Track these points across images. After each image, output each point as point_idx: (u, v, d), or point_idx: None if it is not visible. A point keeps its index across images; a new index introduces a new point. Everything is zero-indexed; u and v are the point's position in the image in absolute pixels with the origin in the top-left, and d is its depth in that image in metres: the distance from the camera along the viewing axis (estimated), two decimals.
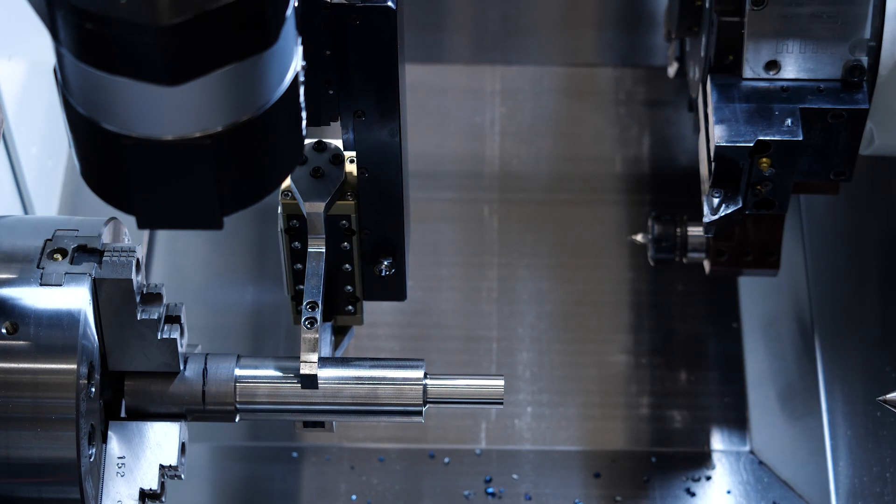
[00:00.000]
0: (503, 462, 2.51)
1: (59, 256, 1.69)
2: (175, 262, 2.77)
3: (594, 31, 3.02)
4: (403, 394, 1.86)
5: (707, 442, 2.56)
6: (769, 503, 2.47)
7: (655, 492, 2.49)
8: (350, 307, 2.00)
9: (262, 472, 2.52)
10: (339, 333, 2.04)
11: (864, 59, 2.01)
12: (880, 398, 1.94)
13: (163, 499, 1.78)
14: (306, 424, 1.92)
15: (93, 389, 1.70)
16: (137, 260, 1.71)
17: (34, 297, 1.66)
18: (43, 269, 1.68)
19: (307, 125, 1.72)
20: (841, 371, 2.48)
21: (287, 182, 1.88)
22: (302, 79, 1.47)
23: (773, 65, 2.03)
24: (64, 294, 1.67)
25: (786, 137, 1.99)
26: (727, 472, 2.51)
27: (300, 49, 1.46)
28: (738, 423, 2.58)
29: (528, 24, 3.02)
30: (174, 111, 1.37)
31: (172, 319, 1.75)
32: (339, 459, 2.52)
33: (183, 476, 1.80)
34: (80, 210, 2.66)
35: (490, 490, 2.48)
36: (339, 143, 1.90)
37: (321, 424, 1.92)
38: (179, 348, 1.77)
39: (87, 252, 1.71)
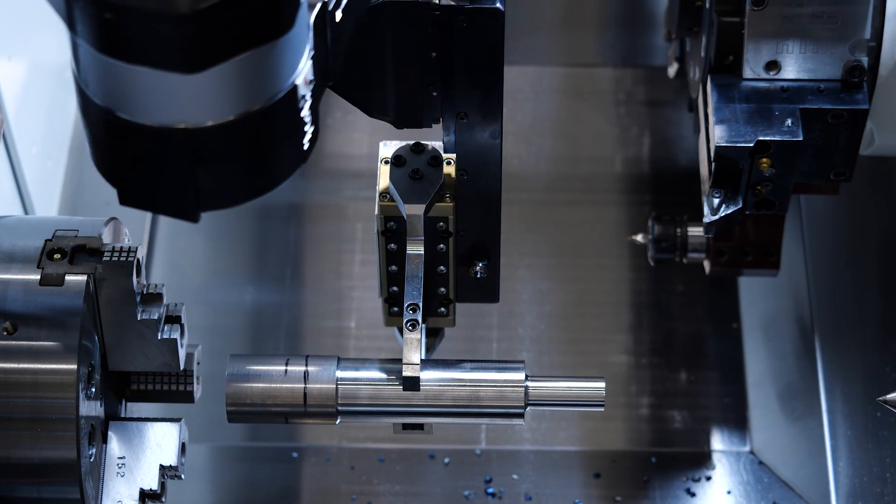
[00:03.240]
0: (503, 462, 2.51)
1: (59, 256, 1.69)
2: (175, 262, 2.77)
3: (594, 31, 3.02)
4: (505, 396, 1.87)
5: (707, 442, 2.56)
6: (769, 503, 2.47)
7: (655, 492, 2.49)
8: (443, 309, 2.00)
9: (262, 472, 2.52)
10: (430, 335, 2.03)
11: (864, 60, 2.01)
12: (880, 398, 1.94)
13: (163, 499, 1.78)
14: (405, 427, 1.92)
15: (93, 389, 1.70)
16: (137, 260, 1.71)
17: (34, 297, 1.66)
18: (43, 269, 1.68)
19: (408, 126, 1.76)
20: (841, 371, 2.48)
21: (385, 183, 1.88)
22: (303, 93, 1.45)
23: (773, 65, 2.03)
24: (64, 294, 1.67)
25: (786, 138, 1.99)
26: (727, 472, 2.51)
27: (306, 67, 1.44)
28: (738, 423, 2.58)
29: (528, 24, 3.02)
30: (161, 99, 1.37)
31: (172, 319, 1.75)
32: (339, 459, 2.52)
33: (183, 476, 1.80)
34: (80, 210, 2.66)
35: (490, 490, 2.48)
36: (436, 144, 1.89)
37: (420, 427, 1.92)
38: (180, 348, 1.77)
39: (87, 252, 1.71)
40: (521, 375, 1.87)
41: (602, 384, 1.89)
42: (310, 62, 1.45)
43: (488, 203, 1.90)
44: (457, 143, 1.83)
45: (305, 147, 1.50)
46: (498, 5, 1.69)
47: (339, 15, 1.55)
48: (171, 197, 1.45)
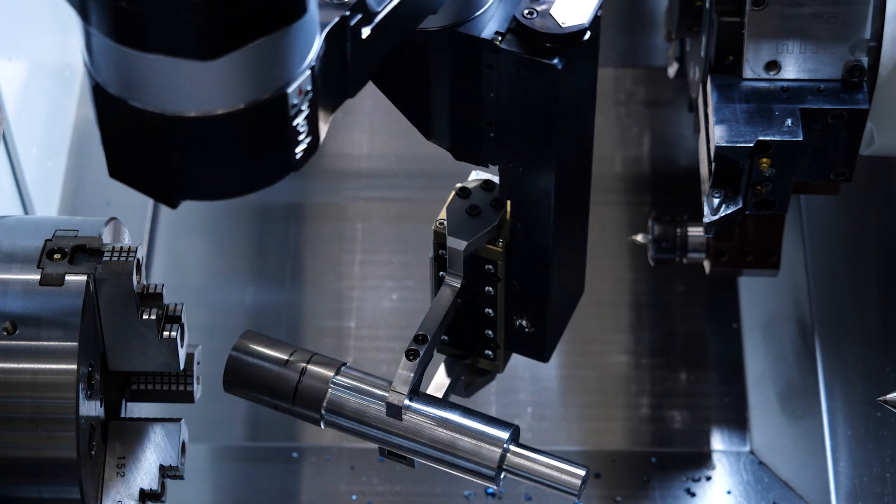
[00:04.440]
0: None
1: (59, 256, 1.69)
2: (175, 262, 2.77)
3: None
4: (481, 453, 1.81)
5: (707, 442, 2.56)
6: (769, 503, 2.47)
7: (655, 492, 2.49)
8: (489, 352, 1.95)
9: (262, 472, 2.52)
10: (479, 374, 1.99)
11: (864, 60, 2.01)
12: (880, 398, 1.94)
13: (163, 499, 1.78)
14: (389, 454, 1.87)
15: (93, 389, 1.70)
16: (137, 260, 1.71)
17: (34, 297, 1.66)
18: (43, 269, 1.68)
19: (466, 160, 1.72)
20: (841, 371, 2.48)
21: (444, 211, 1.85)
22: (295, 102, 1.43)
23: (773, 65, 2.03)
24: (64, 294, 1.67)
25: (786, 138, 1.99)
26: (727, 472, 2.51)
27: (302, 77, 1.43)
28: (738, 423, 2.58)
29: None
30: (143, 81, 1.37)
31: (172, 319, 1.75)
32: (339, 459, 2.52)
33: (183, 476, 1.80)
34: (80, 210, 2.66)
35: (490, 490, 2.48)
36: None
37: (403, 458, 1.87)
38: (180, 348, 1.77)
39: (87, 252, 1.71)
40: (504, 435, 1.81)
41: (581, 474, 1.81)
42: (308, 73, 1.43)
43: (538, 260, 1.83)
44: (509, 190, 1.78)
45: (298, 156, 1.47)
46: (556, 62, 1.62)
47: (366, 32, 1.51)
48: (152, 179, 1.44)
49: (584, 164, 1.85)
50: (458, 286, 1.86)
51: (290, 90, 1.41)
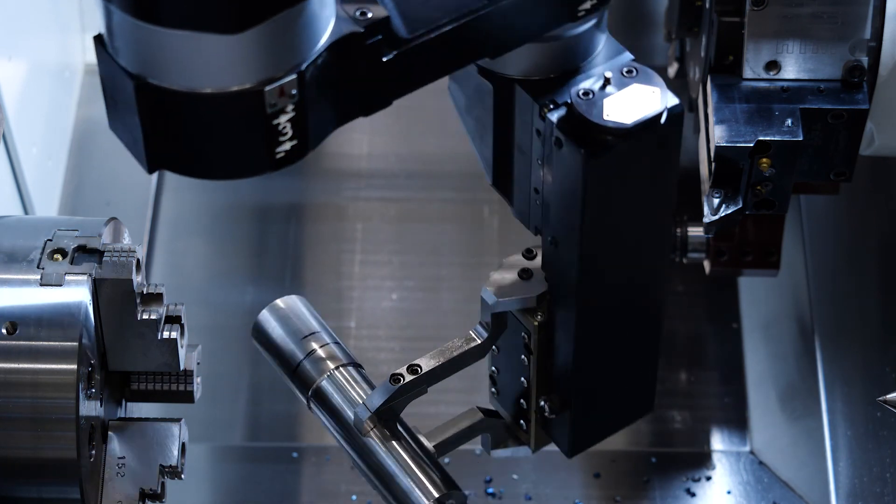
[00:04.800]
0: (503, 462, 2.51)
1: (59, 256, 1.69)
2: (175, 262, 2.77)
3: None
4: (412, 495, 1.79)
5: (707, 442, 2.56)
6: (769, 503, 2.47)
7: (655, 492, 2.49)
8: (523, 422, 1.89)
9: (262, 472, 2.52)
10: (513, 439, 1.93)
11: (864, 60, 2.01)
12: (880, 398, 1.94)
13: (163, 499, 1.78)
14: (361, 473, 1.86)
15: (93, 389, 1.70)
16: (137, 260, 1.71)
17: (34, 297, 1.66)
18: (43, 269, 1.68)
19: (522, 222, 1.69)
20: (841, 371, 2.48)
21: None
22: (274, 102, 1.41)
23: (773, 65, 2.03)
24: (64, 294, 1.67)
25: (786, 138, 1.99)
26: (727, 472, 2.51)
27: (287, 79, 1.41)
28: (738, 423, 2.58)
29: None
30: (126, 42, 1.39)
31: (173, 319, 1.75)
32: (339, 459, 2.52)
33: (183, 476, 1.80)
34: (80, 210, 2.66)
35: (490, 490, 2.48)
36: None
37: (373, 484, 1.85)
38: (180, 348, 1.77)
39: (87, 252, 1.70)
40: (434, 493, 1.78)
41: None
42: (294, 77, 1.41)
43: (564, 346, 1.76)
44: (546, 267, 1.73)
45: (278, 157, 1.45)
46: (582, 151, 1.56)
47: (388, 55, 1.47)
48: (133, 138, 1.45)
49: (642, 267, 1.75)
50: (479, 341, 1.82)
51: (268, 88, 1.40)
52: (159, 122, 1.42)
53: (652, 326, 1.82)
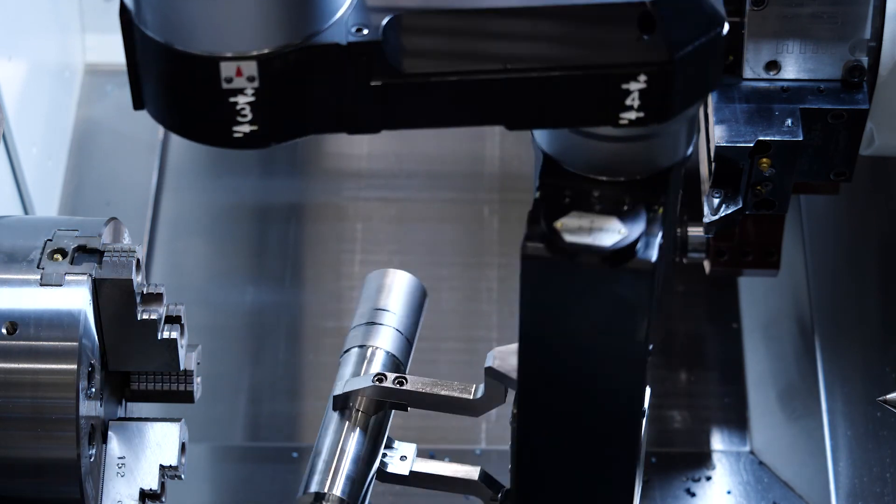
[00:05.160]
0: (503, 462, 2.50)
1: (59, 256, 1.69)
2: (175, 262, 2.77)
3: None
4: (306, 475, 1.79)
5: (707, 442, 2.56)
6: (769, 503, 2.47)
7: (655, 492, 2.49)
8: None
9: (262, 472, 2.52)
10: None
11: (864, 60, 2.01)
12: (880, 398, 1.94)
13: (163, 499, 1.78)
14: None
15: (93, 389, 1.70)
16: (137, 260, 1.71)
17: (34, 297, 1.66)
18: (43, 269, 1.68)
19: None
20: (841, 371, 2.48)
21: None
22: (229, 76, 1.42)
23: (773, 65, 2.03)
24: (64, 294, 1.67)
25: (786, 138, 1.99)
26: (727, 472, 2.51)
27: (251, 66, 1.41)
28: (738, 423, 2.58)
29: None
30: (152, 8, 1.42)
31: (173, 319, 1.75)
32: None
33: (183, 476, 1.80)
34: (80, 210, 2.66)
35: None
36: None
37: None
38: (180, 348, 1.77)
39: (87, 252, 1.71)
40: (315, 488, 1.77)
41: None
42: (255, 64, 1.41)
43: (512, 446, 1.77)
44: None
45: (236, 136, 1.45)
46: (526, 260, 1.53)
47: (376, 80, 1.44)
48: (132, 79, 1.48)
49: (605, 389, 1.66)
50: (469, 397, 1.81)
51: (224, 63, 1.41)
52: (141, 65, 1.46)
53: (622, 441, 1.69)
